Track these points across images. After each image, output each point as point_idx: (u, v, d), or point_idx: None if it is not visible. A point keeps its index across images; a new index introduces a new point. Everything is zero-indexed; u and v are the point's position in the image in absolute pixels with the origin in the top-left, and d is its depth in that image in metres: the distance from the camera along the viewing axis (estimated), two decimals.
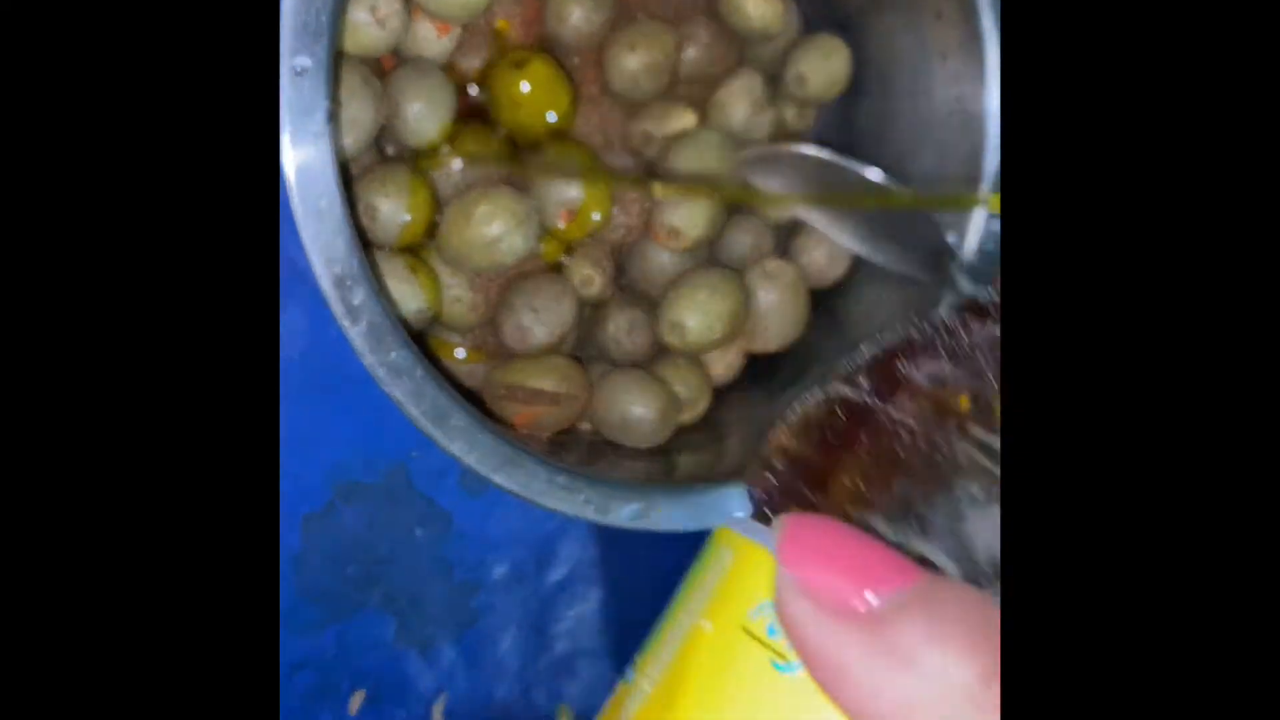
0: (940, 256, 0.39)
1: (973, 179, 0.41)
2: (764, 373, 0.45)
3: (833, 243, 0.45)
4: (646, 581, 0.51)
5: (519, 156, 0.42)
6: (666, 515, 0.36)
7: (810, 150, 0.40)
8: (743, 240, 0.44)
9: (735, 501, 0.38)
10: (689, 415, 0.43)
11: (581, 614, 0.49)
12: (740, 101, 0.44)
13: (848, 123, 0.47)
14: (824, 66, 0.44)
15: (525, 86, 0.40)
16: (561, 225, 0.40)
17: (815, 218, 0.42)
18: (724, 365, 0.45)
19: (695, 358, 0.43)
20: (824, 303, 0.45)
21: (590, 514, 0.35)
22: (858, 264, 0.45)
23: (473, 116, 0.42)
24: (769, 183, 0.42)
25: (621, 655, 0.49)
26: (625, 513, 0.36)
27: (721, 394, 0.45)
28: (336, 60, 0.32)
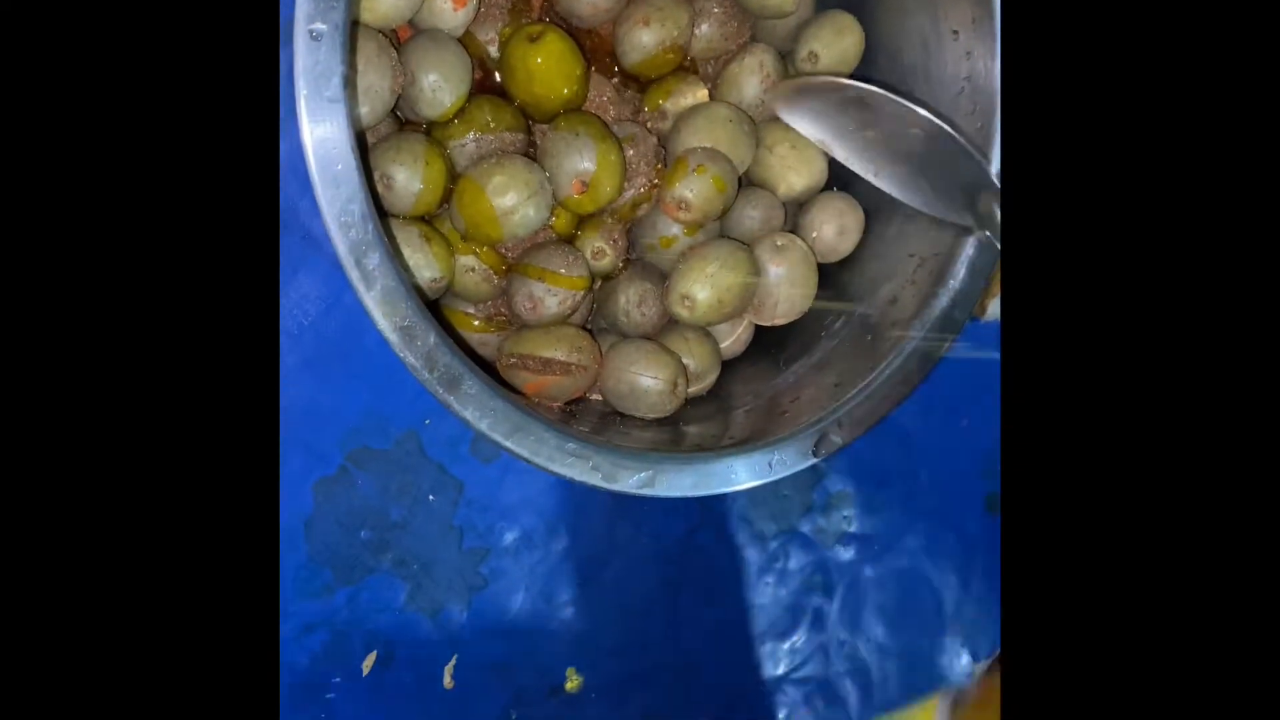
0: (979, 194, 0.38)
1: (983, 156, 0.41)
2: (773, 345, 0.46)
3: (842, 218, 0.45)
4: (653, 549, 0.52)
5: (532, 128, 0.42)
6: (673, 483, 0.37)
7: (849, 81, 0.40)
8: (753, 215, 0.44)
9: (741, 471, 0.38)
10: (698, 387, 0.43)
11: (589, 579, 0.50)
12: (752, 77, 0.44)
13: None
14: (836, 43, 0.44)
15: (539, 59, 0.40)
16: (575, 195, 0.40)
17: (849, 157, 0.42)
18: (733, 338, 0.45)
19: (705, 330, 0.44)
20: (832, 276, 0.46)
21: (598, 480, 0.36)
22: (866, 238, 0.46)
23: (488, 89, 0.42)
24: (803, 120, 0.42)
25: (626, 622, 0.50)
26: (633, 480, 0.36)
27: (730, 366, 0.45)
28: (353, 28, 0.33)
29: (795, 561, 0.52)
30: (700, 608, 0.51)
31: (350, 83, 0.32)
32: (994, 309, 0.54)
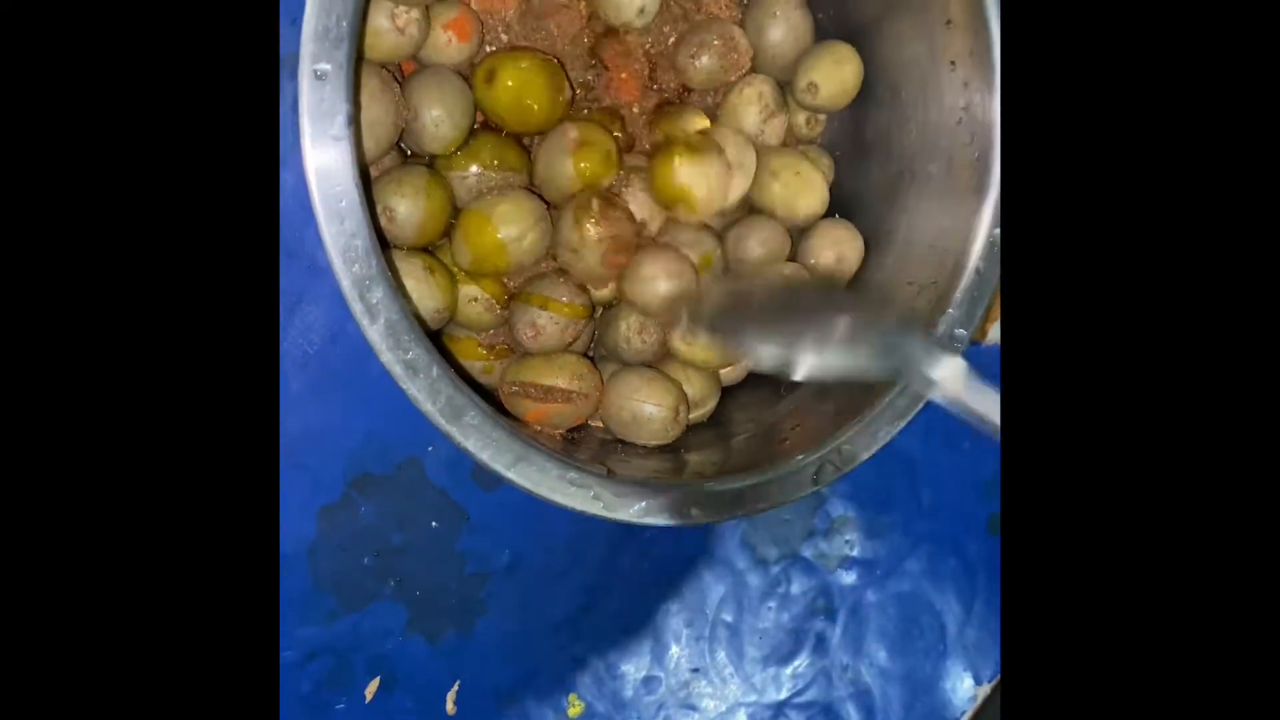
0: (912, 359, 0.33)
1: (980, 186, 0.41)
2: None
3: (840, 245, 0.46)
4: (656, 574, 0.52)
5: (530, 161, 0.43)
6: (665, 510, 0.37)
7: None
8: (759, 243, 0.45)
9: (736, 500, 0.39)
10: (698, 413, 0.44)
11: (590, 605, 0.50)
12: (751, 107, 0.45)
13: (858, 129, 0.47)
14: (835, 73, 0.45)
15: (499, 97, 0.41)
16: None
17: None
18: (735, 366, 0.46)
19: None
20: None
21: (599, 510, 0.36)
22: (865, 266, 0.46)
23: (491, 123, 0.43)
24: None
25: (628, 646, 0.51)
26: (634, 509, 0.36)
27: (730, 393, 0.46)
28: (357, 65, 0.33)
29: (798, 586, 0.53)
30: (702, 633, 0.52)
31: (354, 120, 0.32)
32: (994, 333, 0.54)
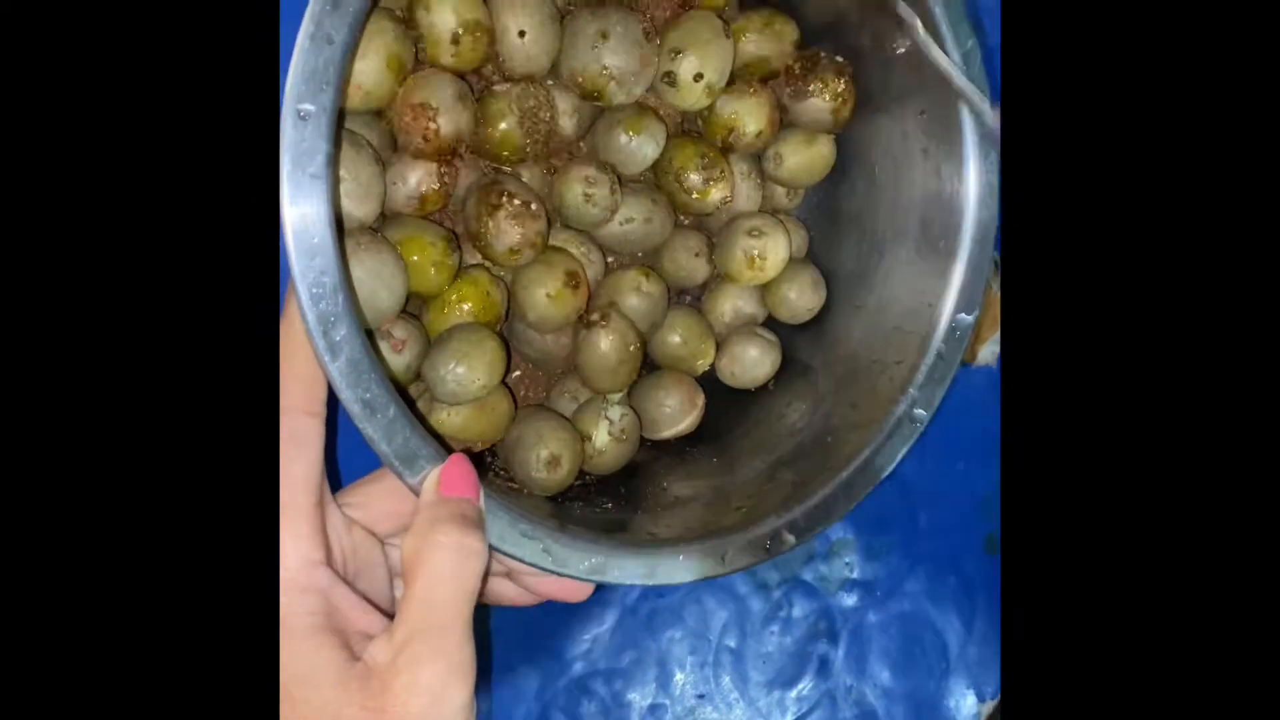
0: None
1: (945, 271, 0.42)
2: (734, 438, 0.46)
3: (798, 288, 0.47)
4: (657, 602, 0.51)
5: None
6: (624, 571, 0.37)
7: None
8: (728, 311, 0.46)
9: (694, 564, 0.38)
10: (601, 463, 0.44)
11: (595, 636, 0.50)
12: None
13: (833, 206, 0.49)
14: (804, 149, 0.46)
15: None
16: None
17: None
18: (685, 423, 0.46)
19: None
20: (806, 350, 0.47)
21: (549, 564, 0.36)
22: (834, 340, 0.47)
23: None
24: None
25: (634, 675, 0.50)
26: (583, 566, 0.36)
27: (688, 458, 0.46)
28: (340, 113, 0.34)
29: (799, 609, 0.53)
30: (706, 659, 0.52)
31: (333, 160, 0.33)
32: (984, 354, 0.55)
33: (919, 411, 0.42)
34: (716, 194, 0.44)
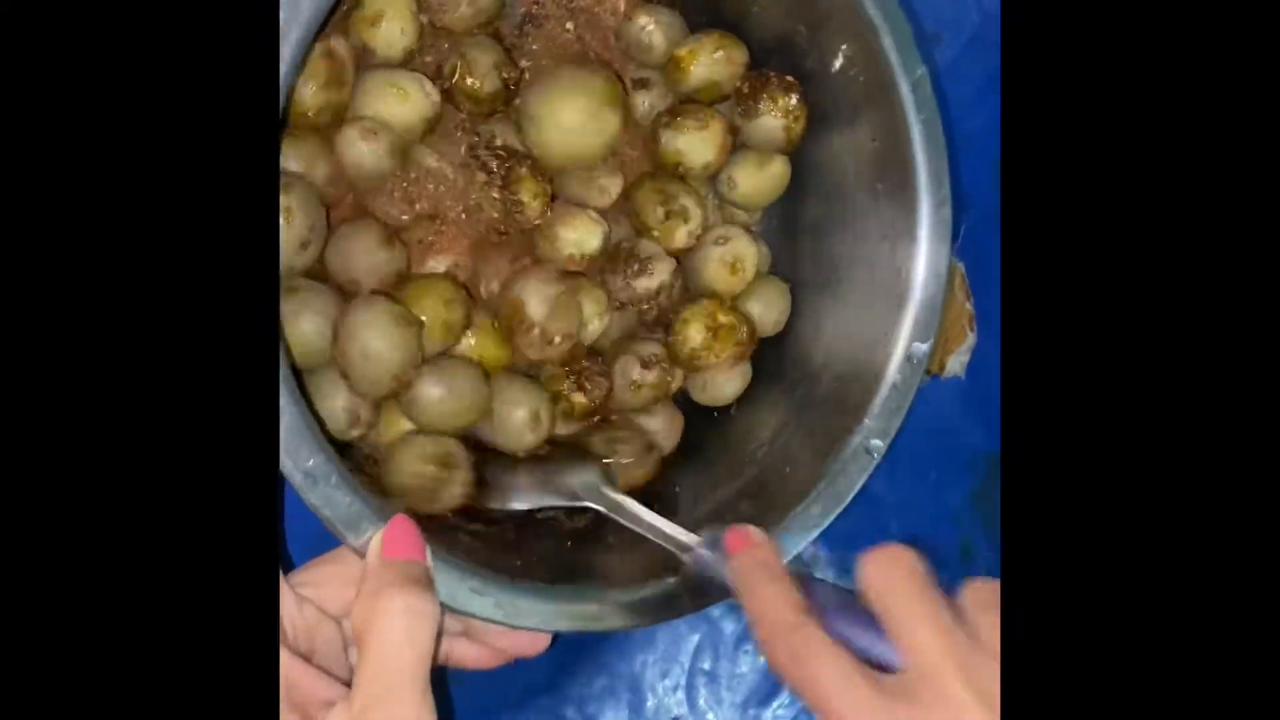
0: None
1: (901, 301, 0.42)
2: (700, 469, 0.46)
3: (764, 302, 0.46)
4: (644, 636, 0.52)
5: None
6: (566, 619, 0.37)
7: None
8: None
9: (643, 608, 0.38)
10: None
11: (566, 663, 0.50)
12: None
13: (792, 221, 0.48)
14: (756, 174, 0.45)
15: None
16: None
17: None
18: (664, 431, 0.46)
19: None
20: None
21: (500, 617, 0.36)
22: (793, 364, 0.47)
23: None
24: None
25: (607, 701, 0.50)
26: (530, 616, 0.36)
27: (658, 495, 0.46)
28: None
29: None
30: (679, 681, 0.52)
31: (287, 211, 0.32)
32: (953, 365, 0.54)
33: (875, 442, 0.42)
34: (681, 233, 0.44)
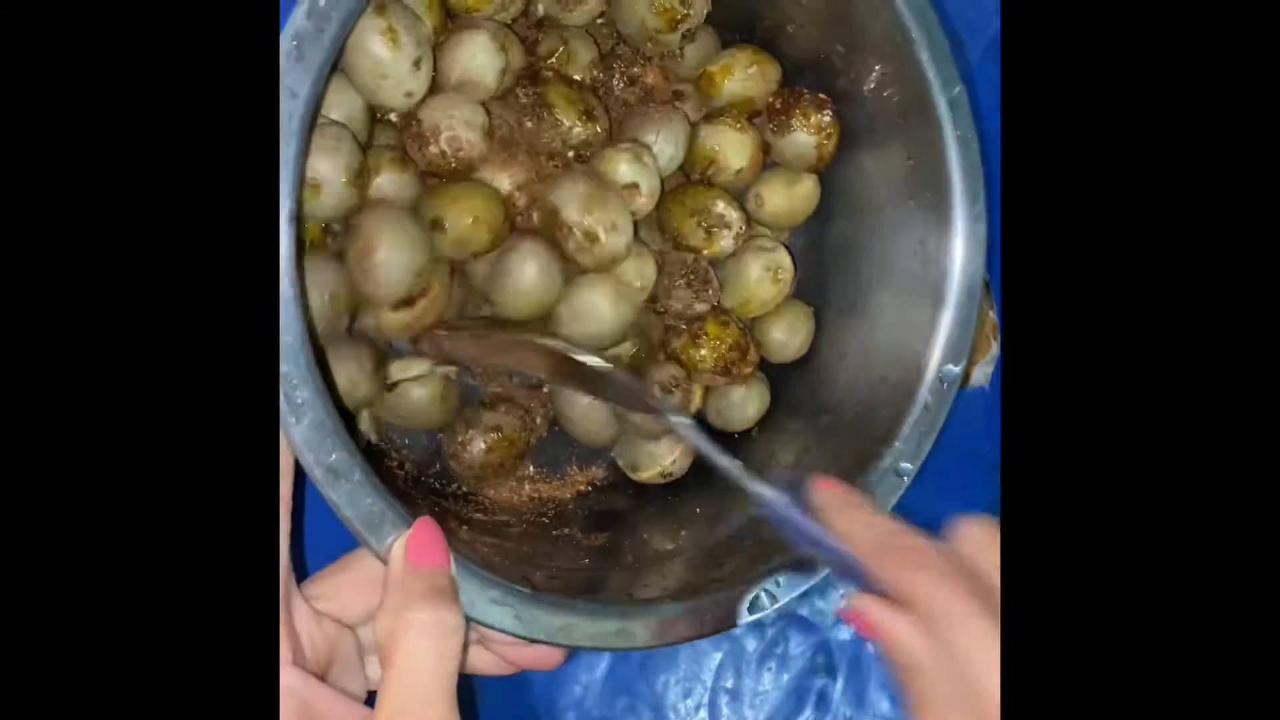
0: None
1: (933, 322, 0.41)
2: (719, 491, 0.45)
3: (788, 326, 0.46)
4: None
5: None
6: (587, 634, 0.36)
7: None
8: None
9: (664, 626, 0.37)
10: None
11: (588, 683, 0.49)
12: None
13: (820, 242, 0.48)
14: (785, 191, 0.45)
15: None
16: None
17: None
18: (671, 457, 0.45)
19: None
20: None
21: (518, 630, 0.35)
22: (822, 384, 0.46)
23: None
24: None
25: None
26: (549, 630, 0.35)
27: (673, 509, 0.45)
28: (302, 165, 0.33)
29: (796, 644, 0.52)
30: (702, 700, 0.51)
31: (295, 218, 0.32)
32: (977, 375, 0.53)
33: (905, 465, 0.41)
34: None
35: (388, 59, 0.37)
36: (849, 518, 0.33)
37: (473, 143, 0.39)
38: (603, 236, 0.40)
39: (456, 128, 0.39)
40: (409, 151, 0.40)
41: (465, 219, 0.39)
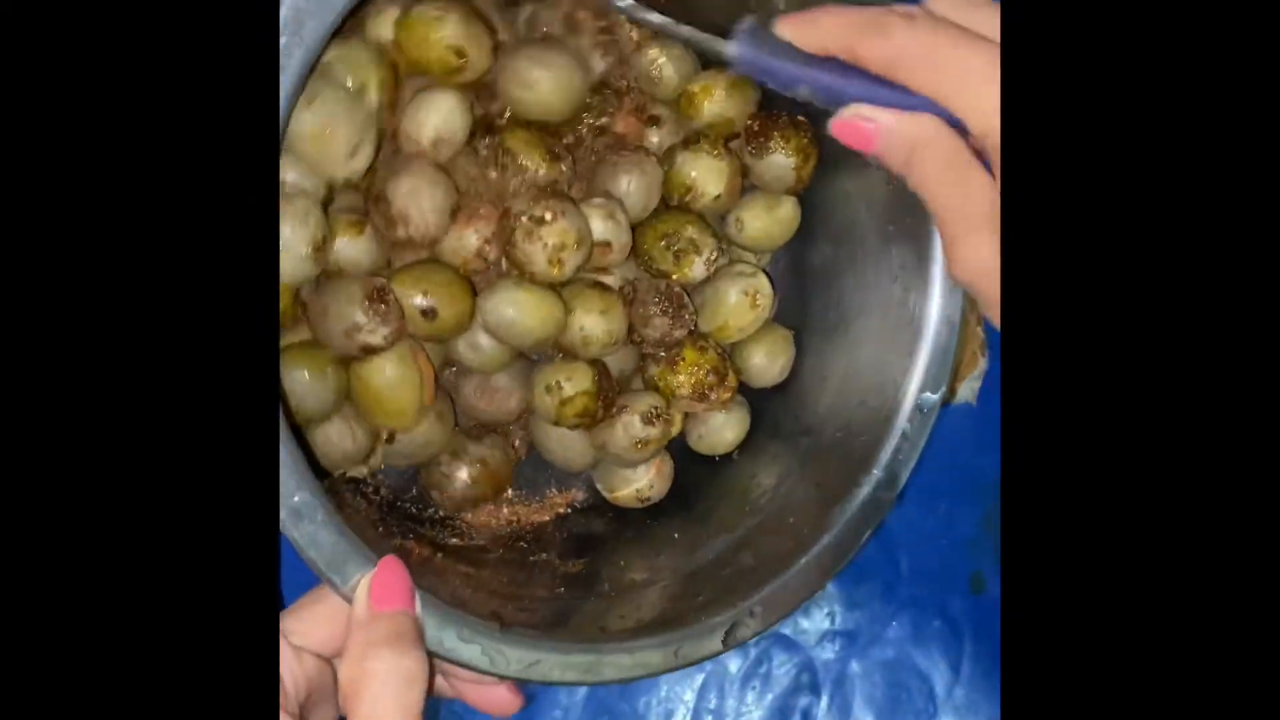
0: None
1: (912, 348, 0.41)
2: (697, 516, 0.45)
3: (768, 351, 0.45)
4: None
5: None
6: (557, 669, 0.36)
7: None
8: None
9: (637, 658, 0.37)
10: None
11: (569, 705, 0.49)
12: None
13: (800, 266, 0.47)
14: (764, 216, 0.44)
15: None
16: None
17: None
18: (648, 478, 0.45)
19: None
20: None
21: (487, 666, 0.35)
22: (801, 405, 0.46)
23: None
24: None
25: None
26: (518, 666, 0.35)
27: (649, 537, 0.45)
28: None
29: (779, 664, 0.52)
30: None
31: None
32: (964, 391, 0.53)
33: (884, 495, 0.41)
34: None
35: (324, 154, 0.37)
36: (821, 24, 0.31)
37: (441, 225, 0.39)
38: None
39: (427, 215, 0.38)
40: (373, 219, 0.39)
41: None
